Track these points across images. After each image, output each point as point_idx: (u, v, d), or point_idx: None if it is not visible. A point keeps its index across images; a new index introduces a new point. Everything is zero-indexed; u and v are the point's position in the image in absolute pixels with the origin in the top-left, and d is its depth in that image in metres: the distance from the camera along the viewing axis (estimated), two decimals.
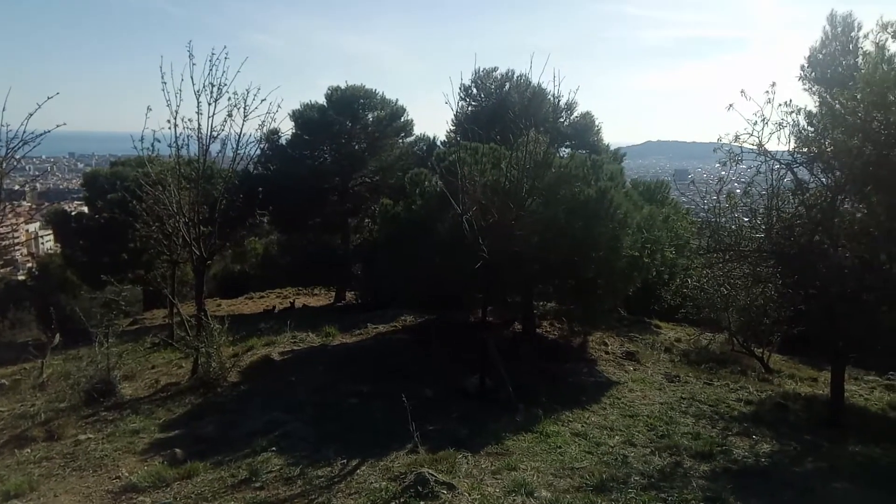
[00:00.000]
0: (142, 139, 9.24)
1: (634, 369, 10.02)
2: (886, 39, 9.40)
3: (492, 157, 10.11)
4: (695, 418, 7.72)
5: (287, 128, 17.98)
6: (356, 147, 18.94)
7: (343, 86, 18.65)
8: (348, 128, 18.64)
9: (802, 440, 7.24)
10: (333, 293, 20.30)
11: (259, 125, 9.63)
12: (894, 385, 10.99)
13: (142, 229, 11.07)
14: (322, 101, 18.59)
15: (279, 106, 9.54)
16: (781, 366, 11.52)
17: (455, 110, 18.85)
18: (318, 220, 19.04)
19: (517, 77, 18.57)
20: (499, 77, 18.58)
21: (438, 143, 19.16)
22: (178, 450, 6.41)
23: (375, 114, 18.94)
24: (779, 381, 10.35)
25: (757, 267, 8.40)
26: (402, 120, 19.29)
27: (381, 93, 19.01)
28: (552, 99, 16.59)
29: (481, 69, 18.83)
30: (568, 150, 16.65)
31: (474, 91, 18.76)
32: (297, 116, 18.28)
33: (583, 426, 7.22)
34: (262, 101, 9.30)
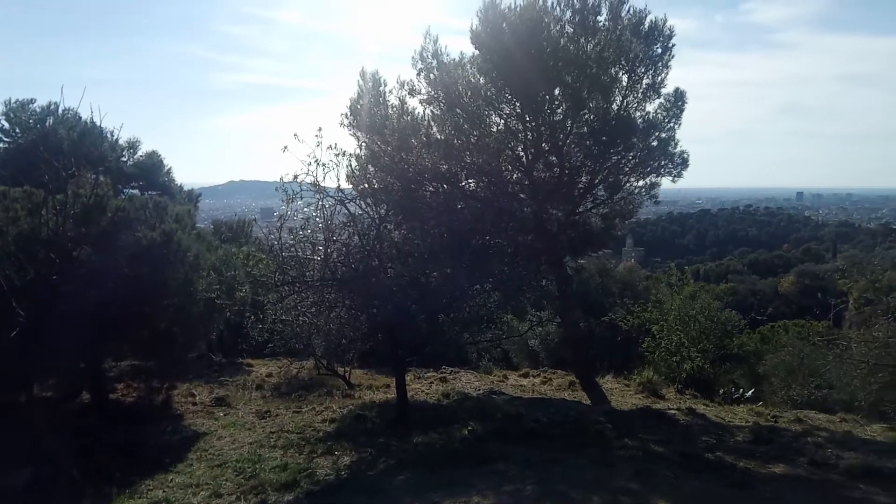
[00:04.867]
0: None
1: (225, 415, 9.70)
2: (405, 95, 11.53)
3: (27, 202, 8.50)
4: (283, 450, 7.86)
5: None
6: None
7: None
8: None
9: (377, 444, 8.08)
10: None
11: None
12: (446, 377, 13.36)
13: None
14: None
15: None
16: (362, 379, 12.75)
17: None
18: None
19: (63, 111, 16.05)
20: (38, 110, 15.77)
21: None
22: None
23: None
24: (359, 394, 11.41)
25: (324, 294, 9.13)
26: None
27: None
28: (109, 136, 15.15)
29: (13, 100, 15.71)
30: (136, 192, 15.28)
31: (5, 125, 15.51)
32: None
33: (164, 491, 6.58)
34: None
